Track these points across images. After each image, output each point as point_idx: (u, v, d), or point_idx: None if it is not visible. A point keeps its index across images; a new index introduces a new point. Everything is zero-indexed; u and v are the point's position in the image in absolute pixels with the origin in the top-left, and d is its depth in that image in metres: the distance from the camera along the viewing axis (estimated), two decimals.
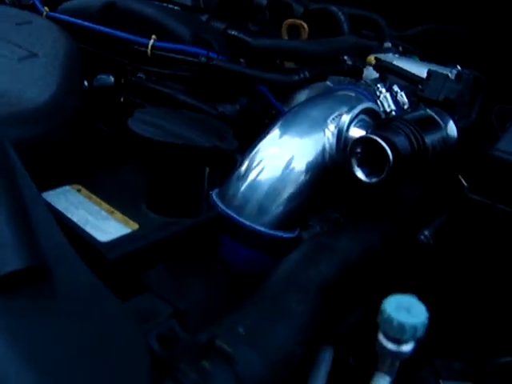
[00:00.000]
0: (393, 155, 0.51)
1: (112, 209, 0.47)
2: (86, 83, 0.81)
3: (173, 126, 0.43)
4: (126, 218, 0.46)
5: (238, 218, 0.58)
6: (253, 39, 0.80)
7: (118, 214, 0.46)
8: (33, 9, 0.89)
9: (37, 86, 0.49)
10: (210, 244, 0.51)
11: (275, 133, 0.62)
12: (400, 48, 1.00)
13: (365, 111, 0.63)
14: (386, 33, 0.95)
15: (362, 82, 0.85)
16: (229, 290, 0.48)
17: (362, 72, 0.87)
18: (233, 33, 0.82)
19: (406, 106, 0.77)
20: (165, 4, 0.90)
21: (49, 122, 0.47)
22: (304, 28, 0.92)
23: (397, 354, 0.34)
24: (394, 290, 0.38)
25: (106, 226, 0.44)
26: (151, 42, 0.72)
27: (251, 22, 0.89)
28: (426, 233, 0.69)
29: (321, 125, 0.61)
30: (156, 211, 0.47)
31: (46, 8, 0.86)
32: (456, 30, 1.09)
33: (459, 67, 0.91)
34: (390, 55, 0.91)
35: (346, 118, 0.60)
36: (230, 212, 0.58)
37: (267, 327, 0.38)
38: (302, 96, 0.86)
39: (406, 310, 0.32)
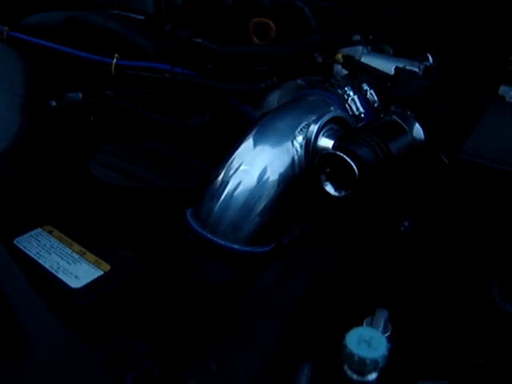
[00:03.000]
0: (358, 168, 0.52)
1: (83, 250, 0.47)
2: (54, 103, 0.81)
3: (132, 167, 0.44)
4: (98, 259, 0.46)
5: (211, 237, 0.59)
6: (218, 46, 0.80)
7: (90, 255, 0.47)
8: None
9: None
10: (183, 270, 0.52)
11: (244, 148, 0.62)
12: (370, 37, 0.99)
13: (332, 120, 0.64)
14: (354, 25, 0.94)
15: (333, 80, 0.85)
16: (205, 317, 0.49)
17: (331, 69, 0.87)
18: (198, 41, 0.81)
19: (376, 104, 0.78)
20: (127, 14, 0.88)
21: (8, 169, 0.46)
22: (271, 26, 0.91)
23: (362, 383, 0.35)
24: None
25: (77, 270, 0.45)
26: (114, 61, 0.71)
27: (216, 27, 0.87)
28: (406, 224, 0.71)
29: (289, 137, 0.62)
30: (126, 248, 0.48)
31: (6, 27, 0.85)
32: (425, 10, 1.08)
33: (430, 57, 0.91)
34: (360, 49, 0.91)
35: (313, 129, 0.61)
36: (203, 232, 0.59)
37: (240, 360, 0.40)
38: (274, 97, 0.86)
39: (366, 343, 0.33)
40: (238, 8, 0.93)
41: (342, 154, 0.51)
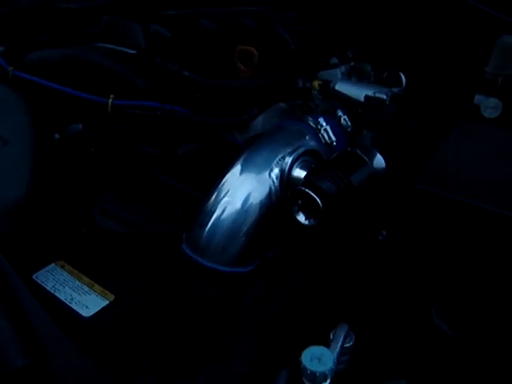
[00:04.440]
0: (323, 202, 0.60)
1: (91, 282, 0.56)
2: (57, 136, 0.89)
3: (128, 214, 0.52)
4: (104, 290, 0.55)
5: (202, 260, 0.68)
6: (205, 79, 0.87)
7: (97, 287, 0.56)
8: None
9: (11, 180, 0.57)
10: (177, 294, 0.61)
11: (228, 181, 0.71)
12: (349, 53, 1.07)
13: (305, 153, 0.72)
14: (331, 47, 1.01)
15: (312, 104, 0.93)
16: (197, 333, 0.58)
17: (310, 93, 0.95)
18: (186, 74, 0.89)
19: (349, 129, 0.86)
20: (120, 48, 0.96)
21: (24, 216, 0.55)
22: (254, 53, 0.99)
23: None
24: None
25: (87, 300, 0.54)
26: (110, 101, 0.79)
27: (203, 56, 0.95)
28: (384, 233, 0.79)
29: (267, 169, 0.70)
30: (128, 280, 0.57)
31: (11, 68, 0.93)
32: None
33: (402, 76, 0.98)
34: (336, 72, 0.98)
35: (287, 162, 0.69)
36: (195, 256, 0.68)
37: (223, 372, 0.49)
38: (258, 121, 0.94)
39: (317, 359, 0.42)
40: (223, 35, 1.01)
41: (307, 190, 0.60)
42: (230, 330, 0.54)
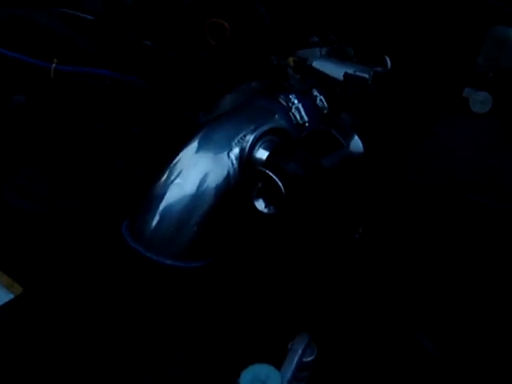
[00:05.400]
0: (285, 186, 0.51)
1: None
2: None
3: (45, 190, 0.42)
4: (11, 282, 0.45)
5: (145, 252, 0.58)
6: (166, 50, 0.78)
7: (5, 278, 0.46)
8: None
9: None
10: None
11: (180, 160, 0.61)
12: (332, 37, 0.98)
13: (271, 131, 0.62)
14: (312, 25, 0.92)
15: (286, 84, 0.84)
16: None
17: (285, 71, 0.86)
18: (146, 43, 0.79)
19: (325, 111, 0.76)
20: (75, 13, 0.86)
21: None
22: (226, 27, 0.89)
23: None
24: None
25: None
26: (53, 66, 0.69)
27: (170, 27, 0.85)
28: (360, 230, 0.70)
29: (225, 148, 0.60)
30: (40, 269, 0.46)
31: None
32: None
33: (388, 60, 0.90)
34: (317, 51, 0.89)
35: (248, 140, 0.60)
36: (137, 246, 0.58)
37: None
38: (227, 100, 0.85)
39: (261, 382, 0.32)
40: (194, 7, 0.91)
41: (267, 171, 0.50)
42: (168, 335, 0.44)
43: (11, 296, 0.44)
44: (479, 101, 0.88)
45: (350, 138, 0.59)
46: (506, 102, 0.80)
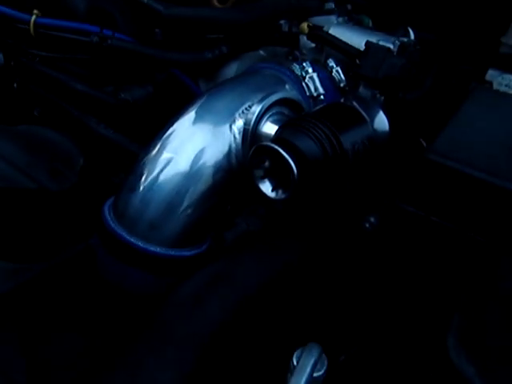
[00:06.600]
0: (298, 167, 0.42)
1: None
2: None
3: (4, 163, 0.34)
4: None
5: (128, 237, 0.49)
6: (164, 7, 0.68)
7: None
8: None
9: None
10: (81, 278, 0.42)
11: (174, 131, 0.52)
12: (349, 6, 0.88)
13: (281, 102, 0.53)
14: None
15: (298, 53, 0.74)
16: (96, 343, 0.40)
17: (297, 39, 0.76)
18: (144, 0, 0.70)
19: (342, 84, 0.67)
20: None
21: None
22: None
23: None
24: None
25: None
26: (33, 18, 0.60)
27: None
28: (372, 219, 0.62)
29: (227, 120, 0.51)
30: (3, 258, 0.38)
31: None
32: None
33: (411, 32, 0.81)
34: (333, 19, 0.80)
35: (254, 112, 0.51)
36: (118, 230, 0.49)
37: None
38: (231, 69, 0.75)
39: None
40: None
41: (277, 148, 0.42)
42: (138, 348, 0.36)
43: None
44: (504, 84, 0.80)
45: (374, 114, 0.50)
46: None
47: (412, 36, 0.82)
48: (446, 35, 0.86)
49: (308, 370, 0.36)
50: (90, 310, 0.42)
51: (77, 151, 0.41)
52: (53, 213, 0.42)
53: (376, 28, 0.89)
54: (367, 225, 0.62)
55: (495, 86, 0.81)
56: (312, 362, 0.36)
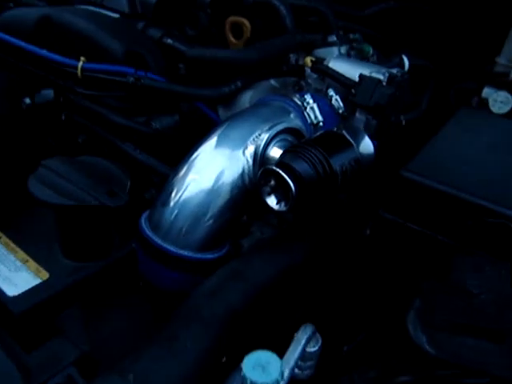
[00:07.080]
0: (296, 185, 0.53)
1: (27, 257, 0.50)
2: (28, 100, 0.83)
3: (68, 184, 0.46)
4: (39, 267, 0.49)
5: (162, 244, 0.61)
6: (188, 49, 0.80)
7: (32, 263, 0.49)
8: None
9: None
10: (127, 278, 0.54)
11: (198, 156, 0.63)
12: (351, 36, 0.99)
13: (286, 130, 0.65)
14: (332, 25, 0.93)
15: (303, 83, 0.85)
16: (143, 323, 0.51)
17: (303, 71, 0.87)
18: (168, 41, 0.82)
19: (341, 111, 0.78)
20: (102, 11, 0.89)
21: None
22: (246, 26, 0.91)
23: None
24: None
25: (17, 278, 0.48)
26: (80, 64, 0.73)
27: (189, 26, 0.88)
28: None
29: (241, 146, 0.63)
30: (68, 257, 0.50)
31: None
32: (416, 5, 1.07)
33: (405, 60, 0.91)
34: (335, 50, 0.90)
35: (262, 139, 0.62)
36: (155, 238, 0.61)
37: (157, 373, 0.42)
38: (245, 97, 0.87)
39: (261, 367, 0.35)
40: (215, 6, 0.93)
41: (279, 171, 0.53)
42: (172, 324, 0.47)
43: (39, 280, 0.48)
44: (499, 101, 0.88)
45: (360, 139, 0.61)
46: None
47: (406, 64, 0.92)
48: (443, 58, 0.95)
49: (302, 343, 0.46)
50: (136, 297, 0.53)
51: (125, 176, 0.52)
52: (110, 223, 0.53)
53: (378, 53, 0.99)
54: (368, 231, 0.72)
55: (491, 103, 0.90)
56: (305, 337, 0.47)
